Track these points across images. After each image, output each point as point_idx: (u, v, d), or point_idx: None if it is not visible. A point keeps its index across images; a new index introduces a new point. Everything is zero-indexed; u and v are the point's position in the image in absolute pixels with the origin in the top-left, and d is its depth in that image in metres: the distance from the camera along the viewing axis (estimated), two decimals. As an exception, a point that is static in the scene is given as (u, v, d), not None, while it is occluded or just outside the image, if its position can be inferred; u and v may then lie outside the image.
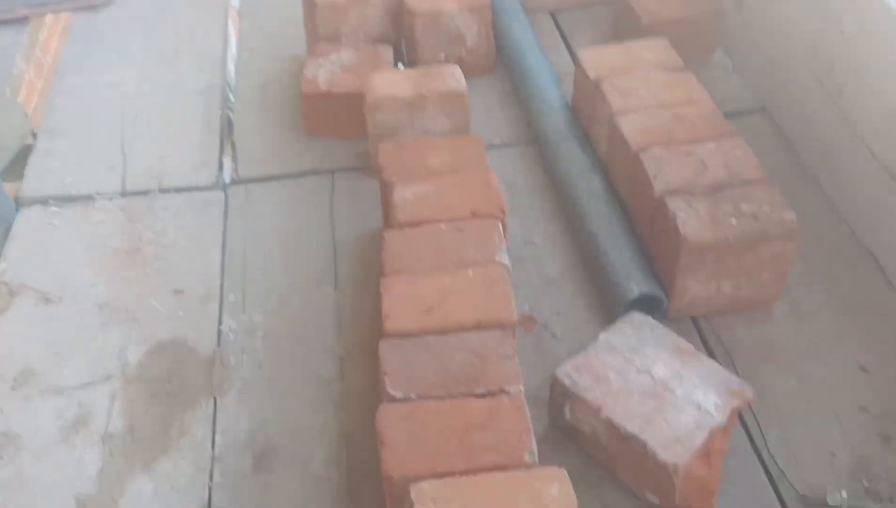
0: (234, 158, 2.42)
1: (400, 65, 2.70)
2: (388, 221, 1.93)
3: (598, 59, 2.27)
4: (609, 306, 1.92)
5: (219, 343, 1.92)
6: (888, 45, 1.86)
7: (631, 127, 2.05)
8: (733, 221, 1.80)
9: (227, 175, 2.36)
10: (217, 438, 1.74)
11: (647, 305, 1.88)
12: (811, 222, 2.07)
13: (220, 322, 1.97)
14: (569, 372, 1.65)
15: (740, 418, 1.71)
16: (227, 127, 2.53)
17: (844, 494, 1.53)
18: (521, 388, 1.53)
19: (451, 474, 1.36)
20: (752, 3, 2.44)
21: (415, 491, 1.33)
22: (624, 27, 2.66)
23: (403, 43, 2.66)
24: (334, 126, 2.42)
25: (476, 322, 1.63)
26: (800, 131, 2.24)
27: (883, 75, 1.90)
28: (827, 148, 2.12)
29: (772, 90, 2.37)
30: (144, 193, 2.31)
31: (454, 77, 2.25)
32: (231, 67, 2.75)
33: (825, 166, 2.14)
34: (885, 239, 1.93)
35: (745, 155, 1.94)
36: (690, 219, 1.81)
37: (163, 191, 2.31)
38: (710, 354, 1.84)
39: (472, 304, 1.66)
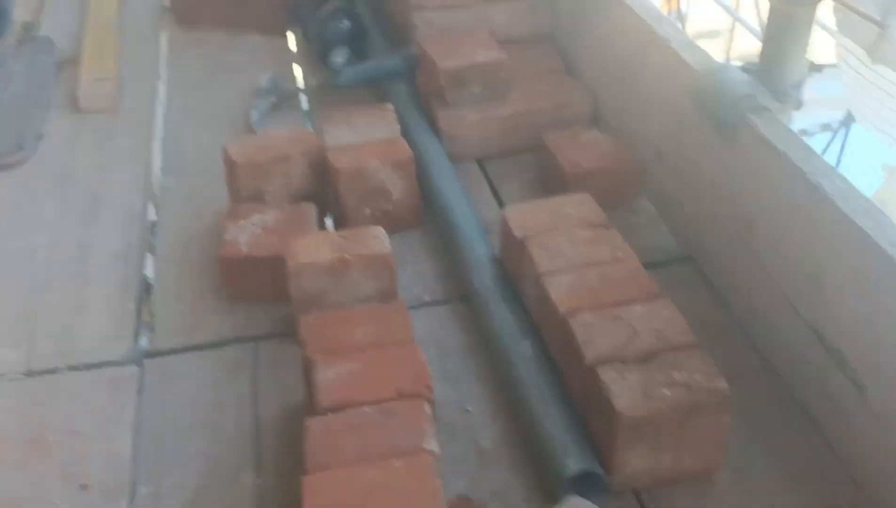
0: (152, 328, 2.30)
1: (327, 221, 2.66)
2: (311, 402, 1.83)
3: (524, 216, 2.26)
4: (547, 483, 1.83)
5: (127, 548, 1.76)
6: (805, 213, 1.89)
7: (558, 289, 2.02)
8: (667, 391, 1.75)
9: (144, 347, 2.23)
10: None
11: (587, 478, 1.80)
12: (746, 379, 2.03)
13: (129, 522, 1.81)
14: (506, 572, 1.53)
15: None
16: (146, 293, 2.43)
17: None
18: None
19: None
20: (671, 158, 2.49)
21: None
22: (549, 175, 2.69)
23: (329, 197, 2.63)
24: (257, 290, 2.34)
25: (404, 524, 1.52)
26: (727, 284, 2.25)
27: (801, 242, 1.92)
28: (754, 303, 2.12)
29: (696, 242, 2.39)
30: (51, 371, 2.16)
31: (378, 239, 2.20)
32: (152, 226, 2.67)
33: (754, 321, 2.13)
34: (819, 400, 1.90)
35: (674, 317, 1.92)
36: (624, 391, 1.75)
37: (71, 368, 2.17)
38: (655, 533, 1.76)
39: (399, 502, 1.55)
